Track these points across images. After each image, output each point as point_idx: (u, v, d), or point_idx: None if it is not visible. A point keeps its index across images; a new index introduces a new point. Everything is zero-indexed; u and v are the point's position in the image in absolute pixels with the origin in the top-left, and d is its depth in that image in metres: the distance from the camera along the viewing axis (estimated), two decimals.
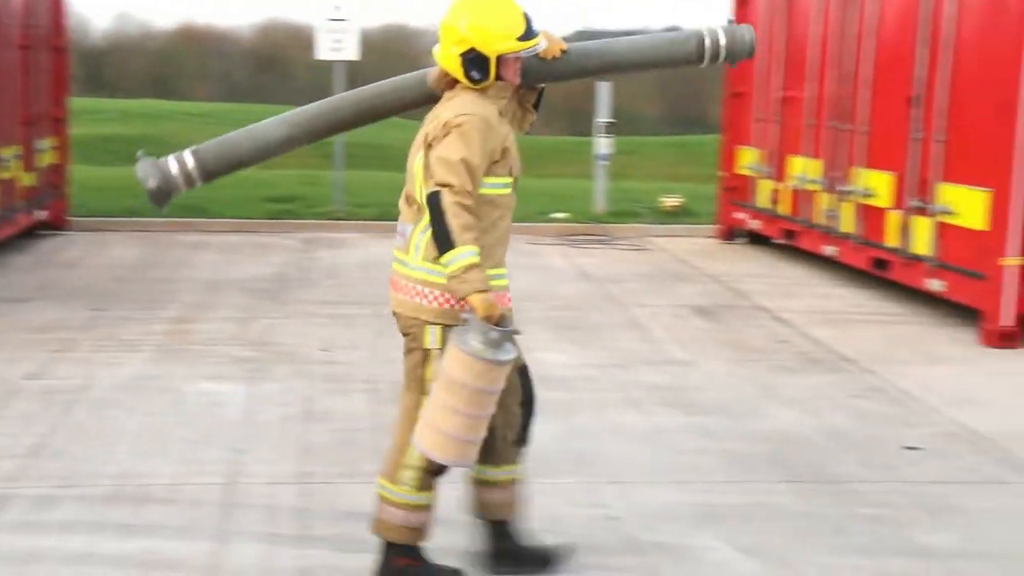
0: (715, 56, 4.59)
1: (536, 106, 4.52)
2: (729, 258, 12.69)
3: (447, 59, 4.25)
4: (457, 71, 4.23)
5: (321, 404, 6.87)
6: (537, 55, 4.33)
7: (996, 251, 8.50)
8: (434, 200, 4.06)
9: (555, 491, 5.51)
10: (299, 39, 34.88)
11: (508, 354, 4.09)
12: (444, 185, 4.05)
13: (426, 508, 4.34)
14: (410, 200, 4.28)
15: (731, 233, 13.78)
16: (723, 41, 4.57)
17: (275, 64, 45.87)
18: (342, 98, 4.60)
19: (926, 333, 9.07)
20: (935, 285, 9.35)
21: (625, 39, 4.70)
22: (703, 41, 4.56)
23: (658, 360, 8.13)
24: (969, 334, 8.84)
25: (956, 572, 4.74)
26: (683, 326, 9.25)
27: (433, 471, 4.30)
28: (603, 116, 15.02)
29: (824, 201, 11.24)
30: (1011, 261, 8.43)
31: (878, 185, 10.21)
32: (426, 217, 4.14)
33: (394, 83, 4.57)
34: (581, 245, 13.44)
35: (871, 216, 10.35)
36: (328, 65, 14.99)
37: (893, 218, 9.97)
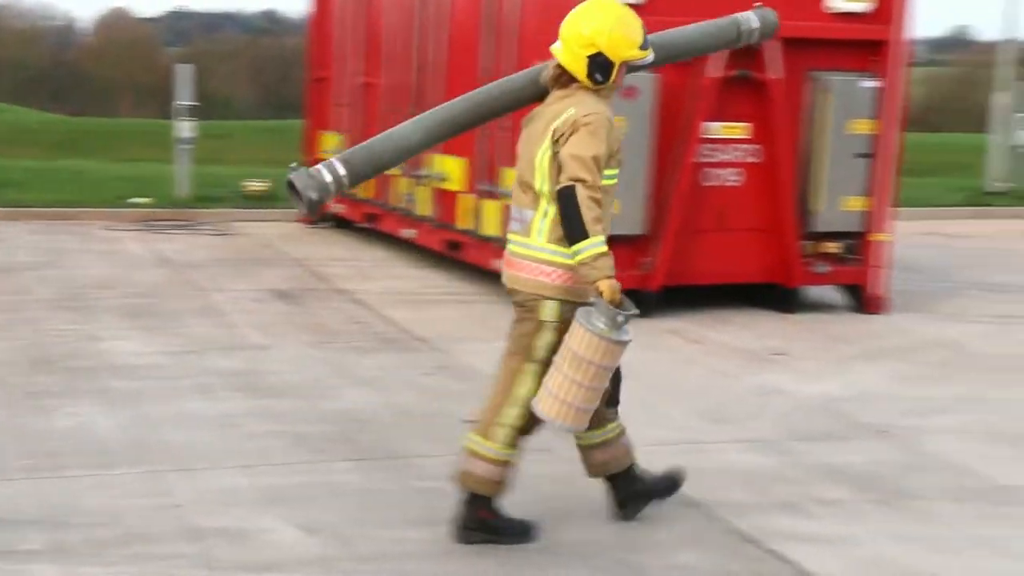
0: (750, 36, 5.31)
1: None
2: (313, 242, 12.78)
3: (573, 60, 4.63)
4: (581, 72, 4.62)
5: None
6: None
7: None
8: (568, 193, 4.44)
9: (115, 483, 5.41)
10: None
11: (628, 335, 4.56)
12: (578, 180, 4.44)
13: (511, 464, 4.82)
14: (526, 187, 4.68)
15: (316, 217, 13.85)
16: (756, 24, 5.28)
17: None
18: (465, 100, 4.89)
19: (495, 311, 9.48)
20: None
21: (679, 31, 5.27)
22: (739, 26, 5.26)
23: (234, 345, 8.10)
24: None
25: None
26: (263, 310, 9.24)
27: (523, 431, 4.79)
28: (184, 99, 14.72)
29: (402, 185, 11.52)
30: None
31: (452, 170, 10.58)
32: (545, 203, 4.58)
33: (510, 82, 4.93)
34: (162, 231, 13.12)
35: (445, 200, 10.72)
36: None
37: (465, 201, 10.37)
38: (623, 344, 4.56)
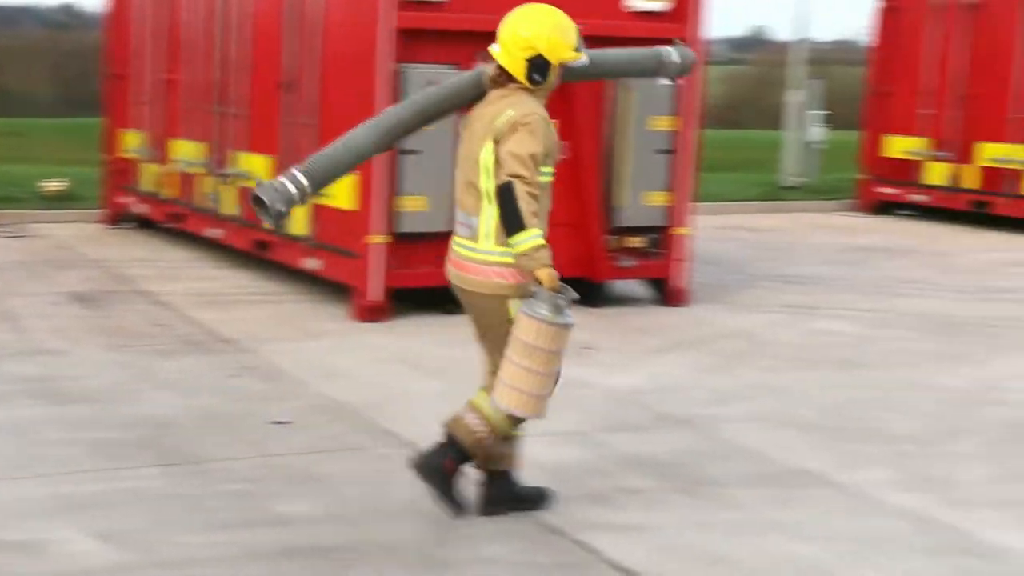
0: (669, 69, 5.53)
1: None
2: (115, 243, 12.41)
3: (512, 61, 4.88)
4: (520, 73, 4.88)
5: None
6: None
7: (364, 230, 8.96)
8: (507, 188, 4.71)
9: None
10: None
11: (571, 317, 4.82)
12: (516, 176, 4.71)
13: (497, 436, 5.00)
14: (471, 187, 4.92)
15: (118, 218, 13.47)
16: (676, 59, 5.50)
17: None
18: (412, 104, 5.14)
19: (303, 311, 9.40)
20: (312, 264, 9.70)
21: (604, 52, 5.49)
22: (660, 57, 5.49)
23: (28, 351, 7.82)
24: (343, 310, 9.26)
25: (313, 536, 4.97)
26: (59, 314, 8.94)
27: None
28: None
29: (207, 184, 11.29)
30: (376, 239, 8.93)
31: (257, 168, 10.40)
32: (488, 205, 4.83)
33: (456, 84, 5.12)
34: None
35: None
36: None
37: None
38: (568, 327, 4.83)
